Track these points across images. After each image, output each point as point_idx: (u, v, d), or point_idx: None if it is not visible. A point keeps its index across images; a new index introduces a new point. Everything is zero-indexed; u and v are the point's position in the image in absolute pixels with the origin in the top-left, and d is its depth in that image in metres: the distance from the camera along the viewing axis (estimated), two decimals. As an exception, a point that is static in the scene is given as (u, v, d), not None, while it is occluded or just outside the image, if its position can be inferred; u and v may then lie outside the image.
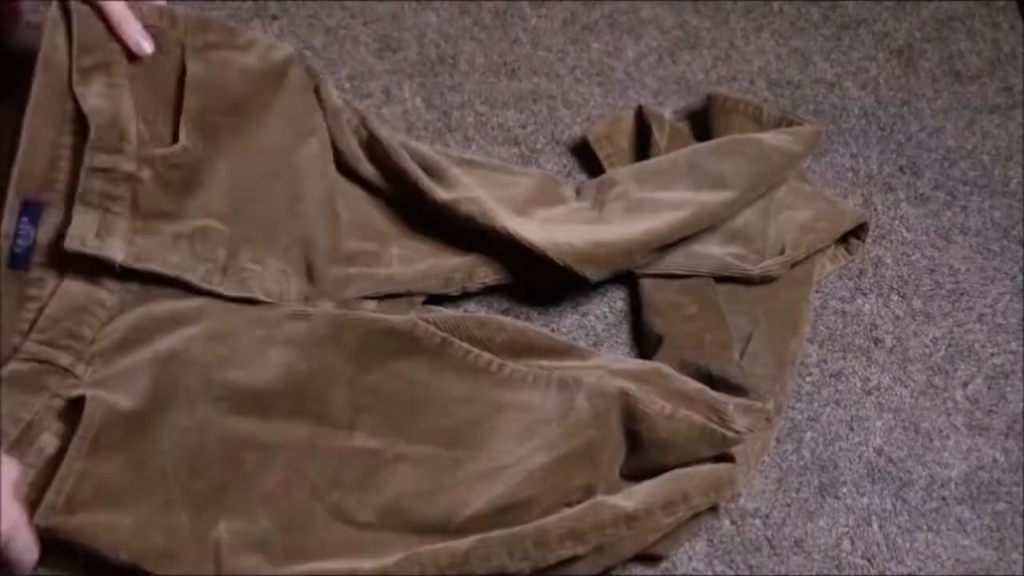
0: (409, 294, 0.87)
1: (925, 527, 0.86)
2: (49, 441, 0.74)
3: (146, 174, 0.80)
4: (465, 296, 0.90)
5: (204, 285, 0.80)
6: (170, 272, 0.79)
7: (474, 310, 0.91)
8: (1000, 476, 0.88)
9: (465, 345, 0.83)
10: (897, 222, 1.01)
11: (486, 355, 0.83)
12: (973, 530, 0.86)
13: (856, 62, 1.12)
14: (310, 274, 0.84)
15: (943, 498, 0.87)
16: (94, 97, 0.79)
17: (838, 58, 1.12)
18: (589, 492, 0.79)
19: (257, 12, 1.07)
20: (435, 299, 0.89)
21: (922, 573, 0.84)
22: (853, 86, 1.10)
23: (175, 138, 0.82)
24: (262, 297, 0.82)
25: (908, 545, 0.85)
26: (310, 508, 0.76)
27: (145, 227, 0.79)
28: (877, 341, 0.94)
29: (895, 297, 0.97)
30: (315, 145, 0.87)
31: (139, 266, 0.78)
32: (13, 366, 0.75)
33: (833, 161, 1.05)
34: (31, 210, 0.77)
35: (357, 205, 0.90)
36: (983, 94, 1.11)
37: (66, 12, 0.80)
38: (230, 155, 0.83)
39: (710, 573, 0.83)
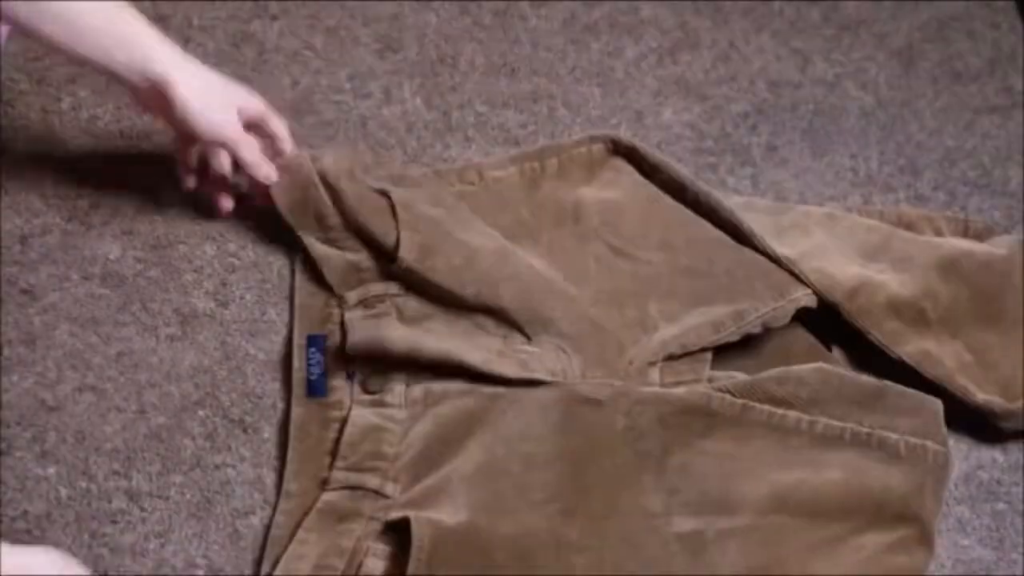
0: (688, 354, 0.85)
1: (925, 527, 0.86)
2: (375, 565, 0.75)
3: (394, 288, 0.87)
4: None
5: (486, 368, 0.81)
6: (450, 356, 0.81)
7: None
8: (1000, 476, 0.88)
9: (767, 407, 0.81)
10: (897, 222, 1.01)
11: (792, 413, 0.81)
12: (973, 530, 0.85)
13: (856, 62, 1.12)
14: (587, 348, 0.84)
15: (943, 498, 0.87)
16: (318, 246, 0.89)
17: (838, 58, 1.12)
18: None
19: (257, 12, 1.07)
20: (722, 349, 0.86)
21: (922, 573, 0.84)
22: (853, 86, 1.10)
23: (395, 249, 0.87)
24: (546, 377, 0.82)
25: (908, 545, 0.85)
26: None
27: (416, 329, 0.85)
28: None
29: (895, 297, 0.97)
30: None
31: (420, 353, 0.81)
32: (326, 498, 0.78)
33: (833, 161, 1.05)
34: (317, 341, 0.85)
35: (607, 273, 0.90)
36: (983, 94, 1.11)
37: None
38: (456, 247, 0.87)
39: (710, 573, 0.83)
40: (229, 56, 1.04)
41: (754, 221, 0.91)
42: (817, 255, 0.90)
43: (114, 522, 0.80)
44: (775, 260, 0.89)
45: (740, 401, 0.81)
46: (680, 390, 0.82)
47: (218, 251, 0.93)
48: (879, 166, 1.05)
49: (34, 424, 0.83)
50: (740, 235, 0.91)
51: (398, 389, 0.83)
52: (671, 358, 0.85)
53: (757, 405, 0.81)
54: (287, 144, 0.91)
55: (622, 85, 1.08)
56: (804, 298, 0.87)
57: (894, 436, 0.81)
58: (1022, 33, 1.15)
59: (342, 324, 0.86)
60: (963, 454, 0.89)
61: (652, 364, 0.84)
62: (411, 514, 0.75)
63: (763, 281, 0.88)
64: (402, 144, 1.01)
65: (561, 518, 0.77)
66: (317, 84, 1.04)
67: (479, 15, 1.11)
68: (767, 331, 0.87)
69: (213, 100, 0.85)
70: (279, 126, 0.90)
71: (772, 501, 0.78)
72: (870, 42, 1.14)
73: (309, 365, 0.84)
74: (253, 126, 0.88)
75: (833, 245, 0.92)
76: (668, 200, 0.94)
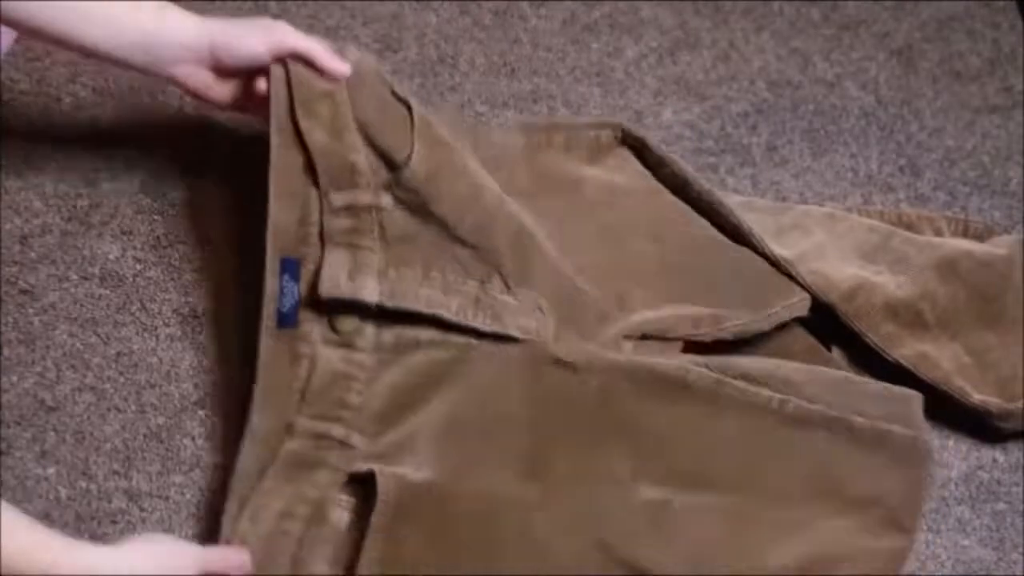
0: (663, 337, 0.85)
1: (925, 527, 0.85)
2: (340, 516, 0.75)
3: (386, 200, 0.81)
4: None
5: (458, 320, 0.79)
6: (424, 309, 0.79)
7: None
8: (1000, 476, 0.88)
9: (741, 383, 0.80)
10: (897, 222, 1.01)
11: (765, 392, 0.80)
12: (973, 530, 0.85)
13: (856, 62, 1.12)
14: (565, 310, 0.83)
15: (943, 498, 0.87)
16: (319, 134, 0.80)
17: (838, 58, 1.12)
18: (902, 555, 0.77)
19: (257, 12, 1.07)
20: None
21: (922, 573, 0.84)
22: (853, 86, 1.10)
23: (407, 160, 0.81)
24: (518, 334, 0.81)
25: (908, 545, 0.85)
26: (606, 569, 0.74)
27: (396, 258, 0.80)
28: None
29: (895, 297, 0.97)
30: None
31: (393, 304, 0.78)
32: (290, 446, 0.76)
33: (833, 161, 1.05)
34: (291, 266, 0.79)
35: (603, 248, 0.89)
36: (983, 94, 1.11)
37: (285, 68, 0.81)
38: (464, 176, 0.83)
39: (710, 573, 0.83)
40: (229, 56, 1.04)
41: (755, 222, 0.91)
42: (815, 256, 0.90)
43: (114, 522, 0.80)
44: (773, 263, 0.89)
45: (715, 375, 0.80)
46: (657, 360, 0.81)
47: (216, 251, 0.93)
48: (879, 166, 1.05)
49: (34, 424, 0.83)
50: (740, 236, 0.90)
51: (368, 331, 0.80)
52: (646, 338, 0.84)
53: (731, 380, 0.80)
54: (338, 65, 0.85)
55: (622, 85, 1.08)
56: (784, 311, 0.87)
57: (860, 420, 0.81)
58: (1022, 33, 1.15)
59: (321, 239, 0.80)
60: (963, 454, 0.89)
61: (627, 338, 0.83)
62: (376, 468, 0.74)
63: (752, 288, 0.87)
64: (402, 144, 1.01)
65: (526, 478, 0.76)
66: (317, 84, 1.04)
67: (479, 15, 1.11)
68: (766, 332, 0.87)
69: (253, 28, 0.82)
70: (321, 54, 0.84)
71: (740, 479, 0.78)
72: (870, 42, 1.14)
73: (282, 294, 0.79)
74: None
75: (832, 245, 0.92)
76: (668, 196, 0.93)
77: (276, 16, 1.07)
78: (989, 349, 0.89)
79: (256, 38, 0.81)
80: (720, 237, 0.91)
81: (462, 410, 0.78)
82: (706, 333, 0.85)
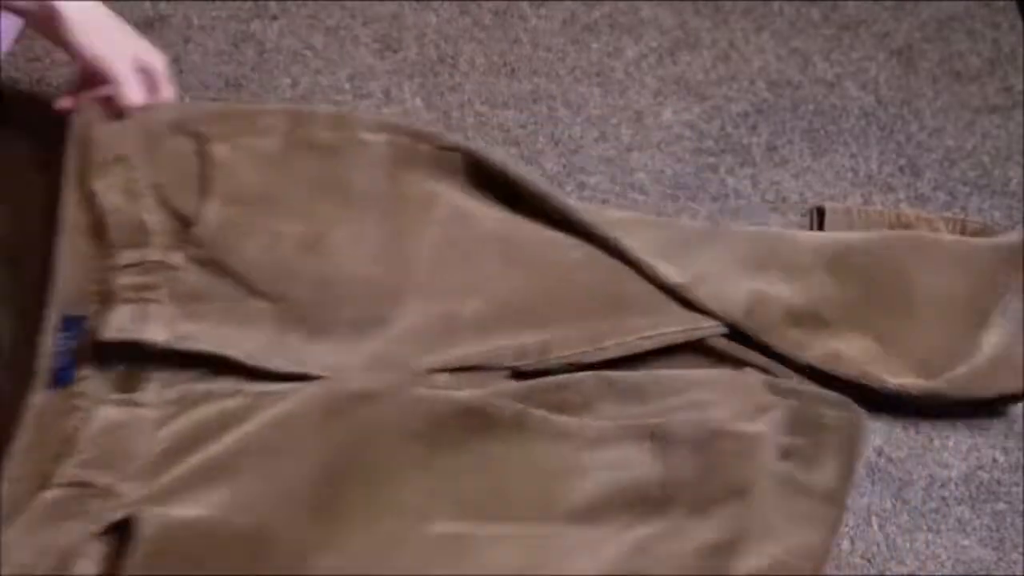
0: (483, 368, 0.82)
1: (925, 527, 0.86)
2: (85, 566, 0.70)
3: (177, 259, 0.79)
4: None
5: (252, 363, 0.77)
6: (215, 350, 0.76)
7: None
8: (1000, 476, 0.88)
9: (542, 413, 0.79)
10: (897, 222, 1.01)
11: (563, 418, 0.79)
12: (973, 530, 0.85)
13: (856, 62, 1.12)
14: (374, 347, 0.80)
15: (943, 498, 0.87)
16: (112, 194, 0.79)
17: (838, 58, 1.12)
18: (718, 551, 0.76)
19: (257, 12, 1.07)
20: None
21: (922, 573, 0.84)
22: (853, 86, 1.10)
23: (197, 217, 0.80)
24: (317, 372, 0.78)
25: (908, 545, 0.85)
26: None
27: (188, 313, 0.77)
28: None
29: (895, 297, 0.97)
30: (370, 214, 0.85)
31: (181, 346, 0.75)
32: (46, 496, 0.72)
33: (833, 161, 1.05)
34: (72, 324, 0.76)
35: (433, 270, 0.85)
36: (983, 94, 1.11)
37: (81, 124, 0.80)
38: (264, 228, 0.81)
39: (710, 573, 0.83)
40: (229, 56, 1.04)
41: (646, 240, 0.89)
42: (708, 277, 0.89)
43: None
44: (667, 288, 0.87)
45: (518, 406, 0.79)
46: (459, 393, 0.80)
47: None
48: (879, 166, 1.05)
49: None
50: (625, 259, 0.88)
51: (152, 388, 0.76)
52: (466, 369, 0.82)
53: (533, 411, 0.79)
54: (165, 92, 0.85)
55: (622, 85, 1.08)
56: (616, 348, 0.85)
57: (656, 421, 0.80)
58: (1022, 33, 1.15)
59: (109, 296, 0.77)
60: (963, 454, 0.89)
61: (443, 371, 0.81)
62: (137, 510, 0.71)
63: (593, 318, 0.85)
64: (402, 144, 1.01)
65: (309, 514, 0.73)
66: (317, 84, 1.04)
67: (479, 15, 1.11)
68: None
69: (106, 32, 0.81)
70: (167, 87, 0.85)
71: (541, 507, 0.77)
72: (870, 42, 1.14)
73: (58, 351, 0.75)
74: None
75: (722, 260, 0.91)
76: (526, 221, 0.89)
77: (276, 16, 1.07)
78: (899, 333, 0.89)
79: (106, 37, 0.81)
80: (582, 261, 0.87)
81: (246, 448, 0.75)
82: (530, 364, 0.83)
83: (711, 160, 1.03)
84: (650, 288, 0.87)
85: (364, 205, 0.85)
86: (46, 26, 0.81)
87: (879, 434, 0.90)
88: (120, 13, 1.08)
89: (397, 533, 0.74)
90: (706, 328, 0.87)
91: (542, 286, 0.86)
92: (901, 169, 1.05)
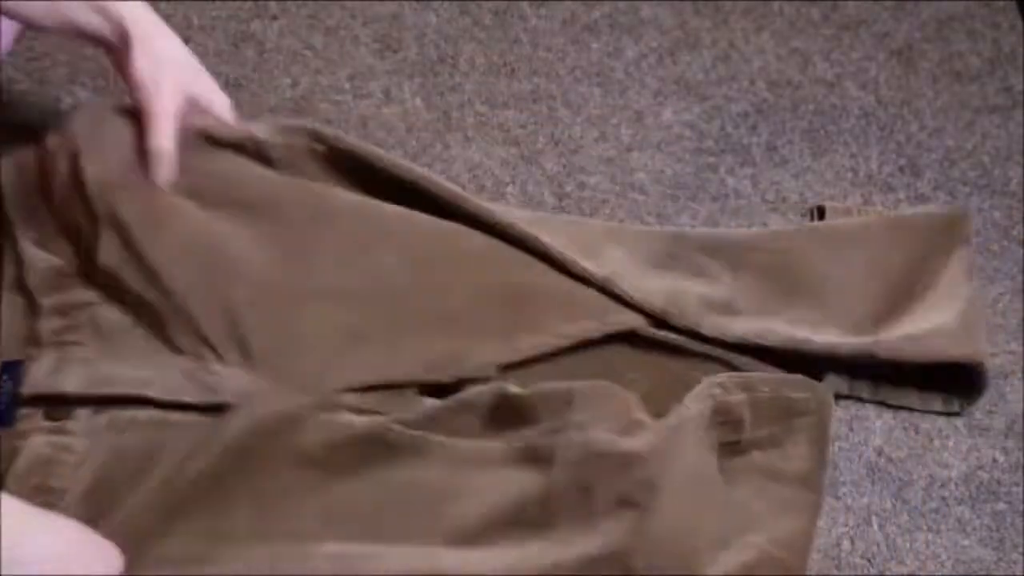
0: (393, 386, 0.82)
1: (925, 527, 0.86)
2: None
3: (91, 296, 0.80)
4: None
5: (168, 397, 0.78)
6: (130, 391, 0.77)
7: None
8: (1000, 476, 0.88)
9: (440, 438, 0.79)
10: (897, 222, 1.01)
11: (463, 443, 0.80)
12: (973, 530, 0.86)
13: (856, 62, 1.12)
14: (284, 368, 0.80)
15: (943, 498, 0.87)
16: (28, 244, 0.81)
17: (838, 58, 1.12)
18: (607, 562, 0.75)
19: (257, 12, 1.07)
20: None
21: (922, 573, 0.84)
22: (853, 86, 1.10)
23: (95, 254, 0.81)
24: (231, 400, 0.78)
25: (908, 545, 0.85)
26: None
27: (109, 349, 0.79)
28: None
29: (895, 297, 0.97)
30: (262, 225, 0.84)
31: (95, 391, 0.77)
32: None
33: (833, 161, 1.05)
34: (12, 369, 0.78)
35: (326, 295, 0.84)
36: (983, 94, 1.11)
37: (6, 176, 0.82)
38: (163, 255, 0.81)
39: (710, 573, 0.83)
40: (229, 56, 1.04)
41: (555, 237, 0.89)
42: (625, 272, 0.89)
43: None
44: (597, 284, 0.87)
45: (417, 433, 0.79)
46: (359, 419, 0.79)
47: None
48: (879, 166, 1.05)
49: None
50: (548, 258, 0.87)
51: (82, 415, 0.78)
52: (371, 388, 0.82)
53: (432, 436, 0.79)
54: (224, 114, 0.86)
55: (622, 85, 1.08)
56: (530, 348, 0.84)
57: (543, 441, 0.80)
58: (1022, 33, 1.15)
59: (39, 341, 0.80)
60: (963, 454, 0.89)
61: (353, 390, 0.81)
62: None
63: (506, 315, 0.85)
64: (402, 144, 1.01)
65: (206, 540, 0.74)
66: (317, 84, 1.04)
67: (479, 15, 1.11)
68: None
69: (167, 65, 0.82)
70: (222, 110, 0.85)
71: (431, 529, 0.77)
72: (870, 42, 1.14)
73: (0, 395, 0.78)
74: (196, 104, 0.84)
75: (631, 259, 0.91)
76: (422, 216, 0.88)
77: (276, 16, 1.07)
78: (809, 318, 0.90)
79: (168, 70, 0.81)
80: (494, 255, 0.87)
81: (162, 483, 0.75)
82: (442, 375, 0.83)
83: (711, 160, 1.03)
84: (565, 283, 0.87)
85: (262, 211, 0.85)
86: (117, 54, 0.81)
87: (879, 434, 0.90)
88: (120, 13, 1.07)
89: (286, 555, 0.74)
90: (629, 320, 0.87)
91: (449, 282, 0.85)
92: (901, 169, 1.05)
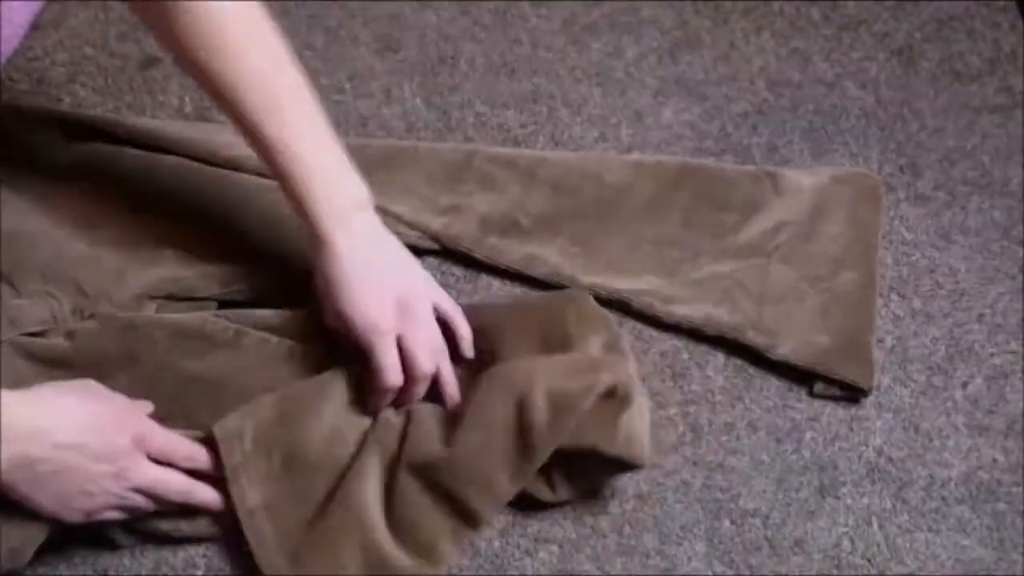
0: (192, 298, 0.86)
1: (925, 527, 0.86)
2: None
3: None
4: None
5: None
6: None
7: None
8: (1000, 476, 0.88)
9: (262, 334, 0.82)
10: (897, 222, 1.01)
11: (287, 342, 0.83)
12: (973, 530, 0.86)
13: (856, 62, 1.12)
14: (77, 288, 0.83)
15: (943, 498, 0.87)
16: None
17: (838, 58, 1.12)
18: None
19: (257, 12, 1.07)
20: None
21: (922, 573, 0.84)
22: (853, 86, 1.10)
23: None
24: (36, 328, 0.81)
25: (908, 545, 0.85)
26: None
27: None
28: (877, 341, 0.94)
29: (895, 297, 0.97)
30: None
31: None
32: None
33: (833, 161, 1.05)
34: None
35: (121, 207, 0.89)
36: (983, 94, 1.11)
37: None
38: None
39: (710, 573, 0.83)
40: (229, 56, 1.04)
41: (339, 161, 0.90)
42: (400, 193, 0.94)
43: (114, 522, 0.80)
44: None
45: (234, 326, 0.82)
46: (176, 315, 0.83)
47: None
48: (879, 166, 1.05)
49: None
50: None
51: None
52: (174, 298, 0.86)
53: (252, 331, 0.82)
54: (467, 349, 0.82)
55: (622, 85, 1.08)
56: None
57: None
58: (1022, 33, 1.15)
59: None
60: (963, 454, 0.89)
61: (152, 299, 0.85)
62: None
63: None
64: (402, 144, 1.01)
65: None
66: (317, 84, 1.04)
67: (479, 15, 1.11)
68: None
69: (369, 287, 0.76)
70: (462, 324, 0.82)
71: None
72: (870, 42, 1.14)
73: None
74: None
75: (415, 177, 0.95)
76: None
77: (276, 16, 1.07)
78: (592, 235, 0.94)
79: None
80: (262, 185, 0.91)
81: None
82: (238, 291, 0.87)
83: (711, 160, 1.03)
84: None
85: (52, 178, 0.88)
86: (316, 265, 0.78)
87: (879, 434, 0.90)
88: (121, 13, 1.08)
89: None
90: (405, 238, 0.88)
91: (233, 213, 0.90)
92: (901, 169, 1.05)
